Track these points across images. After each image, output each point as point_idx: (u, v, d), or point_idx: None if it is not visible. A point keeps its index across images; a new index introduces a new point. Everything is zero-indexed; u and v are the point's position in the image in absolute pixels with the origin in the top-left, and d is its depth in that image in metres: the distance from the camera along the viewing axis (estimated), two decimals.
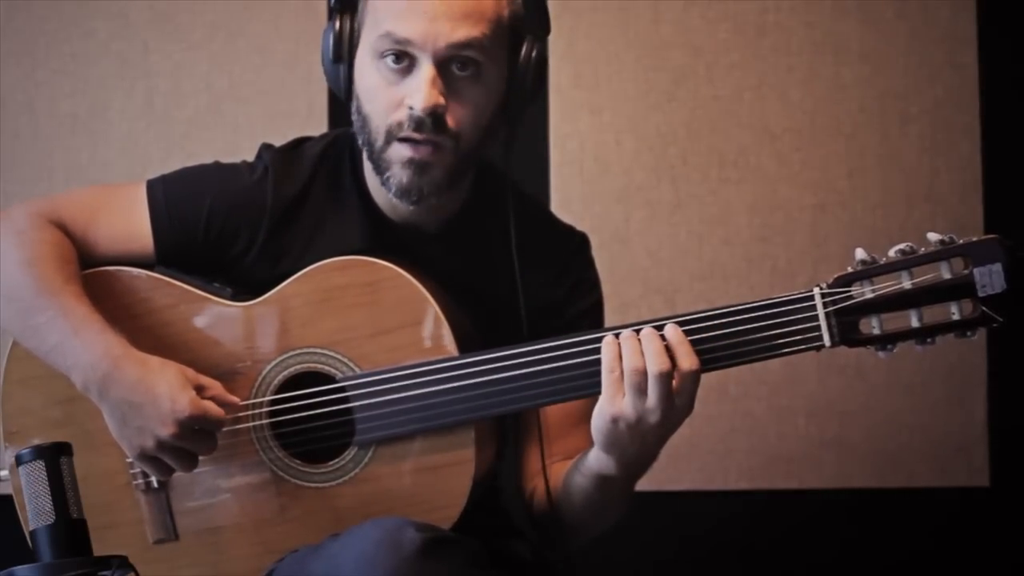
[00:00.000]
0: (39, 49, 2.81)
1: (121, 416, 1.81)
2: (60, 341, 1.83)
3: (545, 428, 1.93)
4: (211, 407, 1.81)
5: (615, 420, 1.70)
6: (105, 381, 1.81)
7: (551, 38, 1.91)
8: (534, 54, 1.86)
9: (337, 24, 1.86)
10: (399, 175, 1.83)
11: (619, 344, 1.71)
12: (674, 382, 1.69)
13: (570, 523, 1.91)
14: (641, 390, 1.69)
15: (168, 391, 1.79)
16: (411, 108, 1.80)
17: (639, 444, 1.72)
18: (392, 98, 1.82)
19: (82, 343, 1.82)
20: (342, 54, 1.86)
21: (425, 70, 1.79)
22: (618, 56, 2.80)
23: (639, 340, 1.70)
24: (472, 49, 1.80)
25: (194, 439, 1.81)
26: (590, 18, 2.79)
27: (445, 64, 1.80)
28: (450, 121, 1.81)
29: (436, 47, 1.79)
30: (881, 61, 2.80)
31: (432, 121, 1.80)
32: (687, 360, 1.69)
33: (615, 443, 1.73)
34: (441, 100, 1.80)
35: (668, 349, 1.69)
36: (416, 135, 1.81)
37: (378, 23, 1.82)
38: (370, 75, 1.83)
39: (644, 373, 1.69)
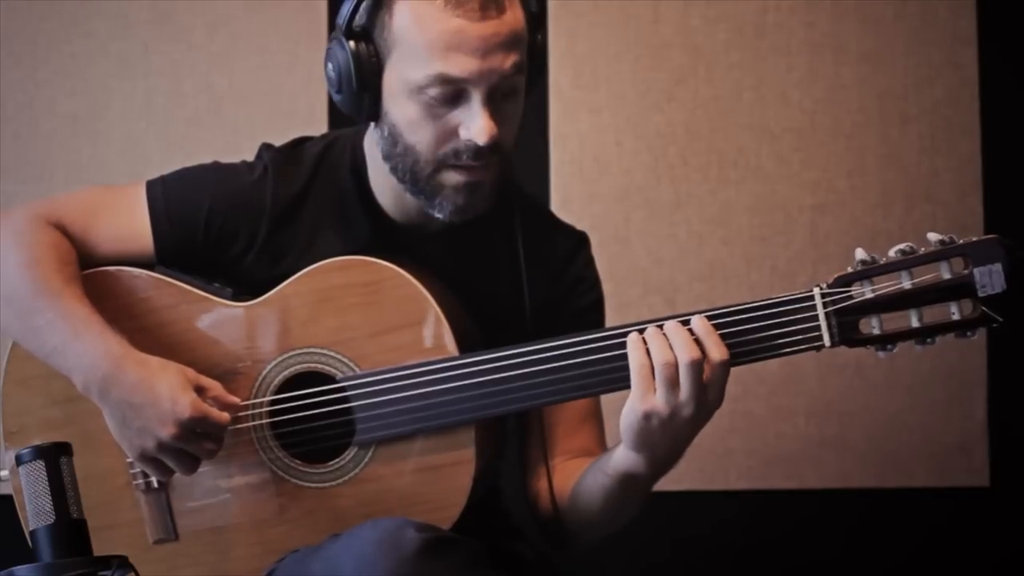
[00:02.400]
0: (39, 49, 2.81)
1: (121, 417, 1.81)
2: (60, 343, 1.83)
3: (550, 427, 1.93)
4: (212, 410, 1.81)
5: (648, 416, 1.70)
6: (105, 382, 1.81)
7: (551, 38, 1.91)
8: (539, 44, 1.86)
9: (353, 48, 1.81)
10: (454, 198, 1.83)
11: (645, 340, 1.71)
12: (704, 374, 1.68)
13: (581, 523, 1.90)
14: (673, 383, 1.68)
15: (168, 392, 1.79)
16: (470, 141, 1.78)
17: (671, 440, 1.72)
18: (442, 130, 1.80)
19: (82, 345, 1.82)
20: (366, 83, 1.82)
21: (480, 103, 1.78)
22: (618, 56, 2.80)
23: (664, 335, 1.70)
24: (519, 73, 1.80)
25: (195, 441, 1.81)
26: (590, 18, 2.79)
27: (494, 90, 1.79)
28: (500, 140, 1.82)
29: (491, 82, 1.78)
30: (881, 61, 2.80)
31: (489, 148, 1.79)
32: (717, 350, 1.69)
33: (647, 441, 1.72)
34: (496, 129, 1.79)
35: (697, 341, 1.69)
36: (476, 163, 1.81)
37: (418, 59, 1.78)
38: (408, 107, 1.81)
39: (675, 367, 1.68)
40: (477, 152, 1.79)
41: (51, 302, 1.85)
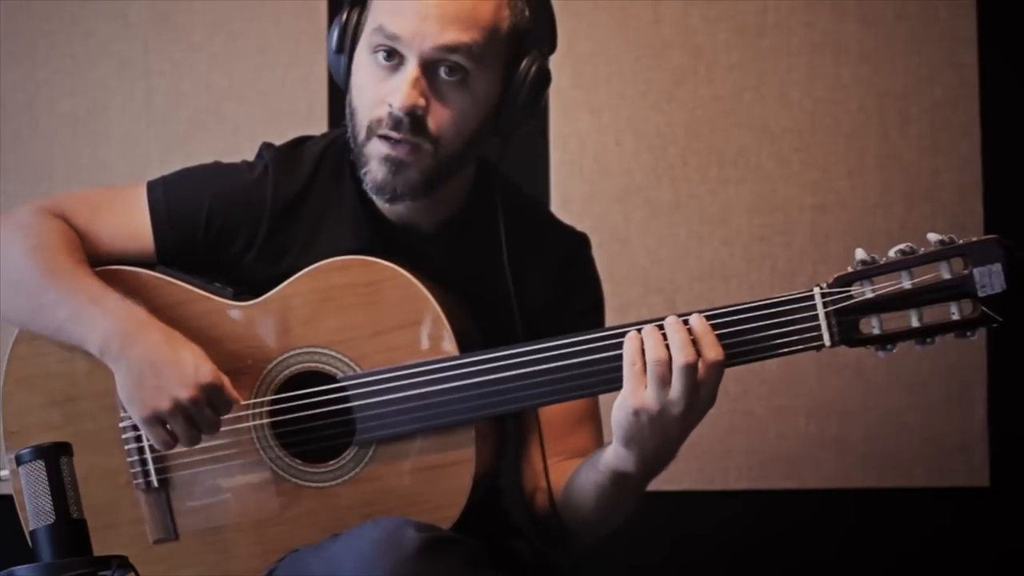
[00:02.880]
0: (39, 49, 2.81)
1: (138, 375, 1.81)
2: (75, 311, 1.84)
3: (548, 427, 1.93)
4: (228, 382, 1.82)
5: (637, 412, 1.70)
6: (127, 339, 1.81)
7: None
8: (532, 69, 1.85)
9: (344, 16, 1.86)
10: (375, 171, 1.84)
11: (640, 337, 1.71)
12: (698, 373, 1.68)
13: (576, 523, 1.90)
14: (664, 382, 1.68)
15: (192, 357, 1.81)
16: (390, 106, 1.80)
17: (660, 438, 1.72)
18: (377, 94, 1.82)
19: (102, 309, 1.83)
20: (344, 46, 1.86)
21: (409, 69, 1.80)
22: (618, 56, 2.80)
23: (662, 333, 1.70)
24: (459, 54, 1.80)
25: (205, 411, 1.82)
26: (590, 18, 2.79)
27: (432, 66, 1.80)
28: (430, 124, 1.81)
29: (423, 47, 1.79)
30: (881, 61, 2.80)
31: (410, 122, 1.80)
32: (712, 350, 1.69)
33: (635, 437, 1.72)
34: (421, 101, 1.80)
35: (693, 340, 1.69)
36: (394, 134, 1.81)
37: (373, 15, 1.83)
38: (363, 69, 1.84)
39: (667, 364, 1.68)
40: (396, 121, 1.80)
41: (62, 278, 1.86)
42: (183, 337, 1.83)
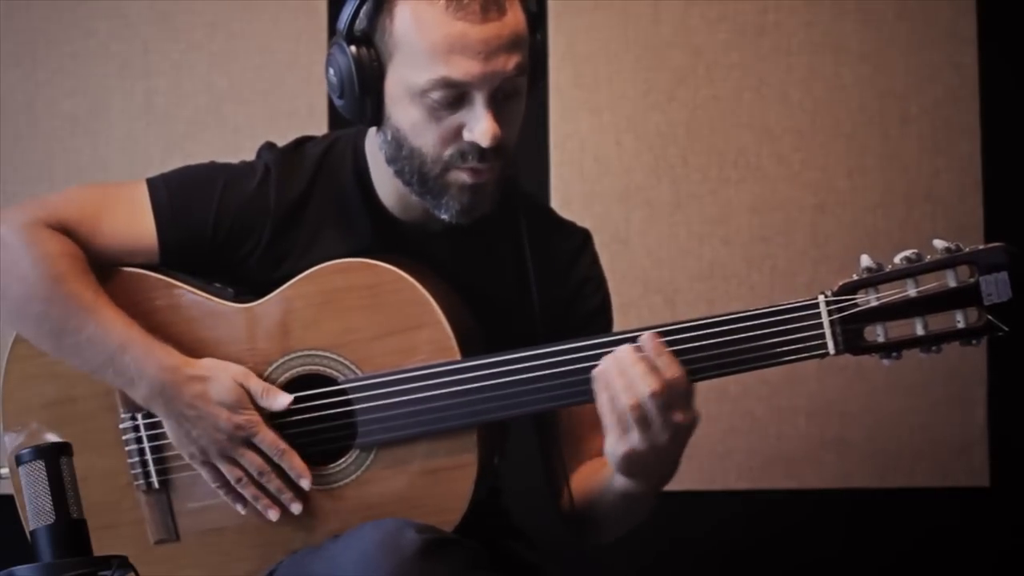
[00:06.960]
0: (39, 49, 2.81)
1: (185, 432, 1.85)
2: (109, 358, 1.84)
3: (573, 428, 1.93)
4: (269, 435, 1.85)
5: (628, 456, 1.70)
6: (164, 394, 1.83)
7: (551, 38, 1.90)
8: (539, 38, 1.86)
9: (354, 53, 1.81)
10: (459, 198, 1.83)
11: (608, 388, 1.69)
12: (665, 396, 1.67)
13: (596, 525, 1.92)
14: (645, 422, 1.68)
15: (228, 414, 1.83)
16: (474, 143, 1.78)
17: (658, 463, 1.72)
18: (446, 131, 1.80)
19: (132, 360, 1.83)
20: (369, 88, 1.82)
21: (483, 106, 1.78)
22: (618, 56, 2.80)
23: (624, 371, 1.69)
24: (522, 74, 1.80)
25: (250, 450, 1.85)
26: (590, 18, 2.79)
27: (495, 92, 1.79)
28: (504, 142, 1.82)
29: (493, 84, 1.78)
30: (881, 61, 2.80)
31: (494, 149, 1.79)
32: (669, 370, 1.68)
33: (634, 471, 1.73)
34: (499, 130, 1.79)
35: (654, 367, 1.68)
36: (480, 165, 1.80)
37: (420, 63, 1.78)
38: (411, 111, 1.80)
39: (639, 406, 1.67)
40: (482, 154, 1.79)
41: (88, 317, 1.85)
42: (215, 375, 1.84)
